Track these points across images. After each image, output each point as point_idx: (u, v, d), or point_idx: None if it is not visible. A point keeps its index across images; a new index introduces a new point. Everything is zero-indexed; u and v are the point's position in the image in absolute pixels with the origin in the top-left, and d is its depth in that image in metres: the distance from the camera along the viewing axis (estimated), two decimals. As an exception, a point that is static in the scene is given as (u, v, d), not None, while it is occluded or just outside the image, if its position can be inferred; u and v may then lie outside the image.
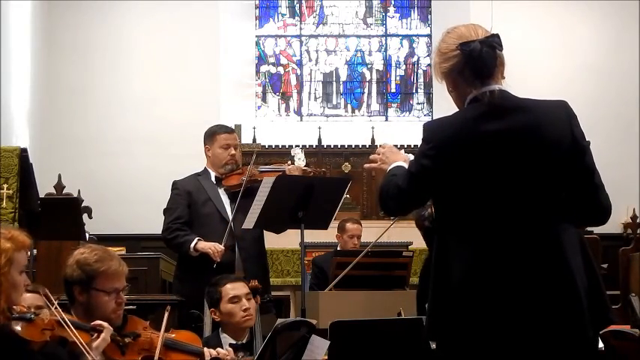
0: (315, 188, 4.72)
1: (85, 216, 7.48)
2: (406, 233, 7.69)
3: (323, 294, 5.39)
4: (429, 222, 3.72)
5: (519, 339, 2.49)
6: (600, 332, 2.74)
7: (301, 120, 10.52)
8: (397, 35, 10.75)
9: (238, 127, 9.04)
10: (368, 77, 10.67)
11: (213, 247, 4.91)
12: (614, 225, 9.23)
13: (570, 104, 2.65)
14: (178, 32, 9.71)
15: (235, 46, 10.31)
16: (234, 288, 4.28)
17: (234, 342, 4.17)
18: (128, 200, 9.25)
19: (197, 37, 9.76)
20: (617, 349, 4.07)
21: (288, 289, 8.18)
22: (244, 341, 4.22)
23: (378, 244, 6.11)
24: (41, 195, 5.39)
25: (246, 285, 4.34)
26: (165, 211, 5.22)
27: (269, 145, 9.86)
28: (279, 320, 3.61)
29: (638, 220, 9.59)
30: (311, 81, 10.63)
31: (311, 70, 10.65)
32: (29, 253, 4.93)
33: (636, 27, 9.80)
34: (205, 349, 3.51)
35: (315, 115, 10.54)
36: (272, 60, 10.63)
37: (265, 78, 10.60)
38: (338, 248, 6.84)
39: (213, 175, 5.24)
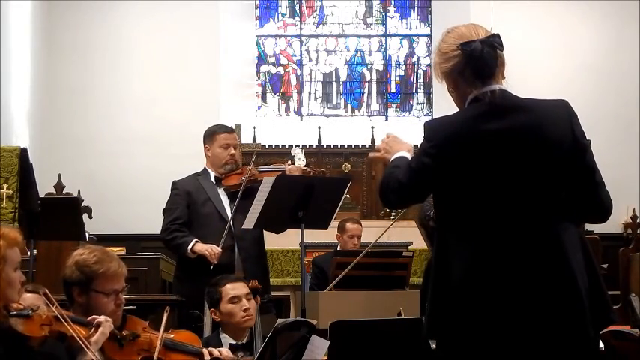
0: (315, 188, 4.72)
1: (85, 216, 7.48)
2: (406, 233, 7.70)
3: (323, 294, 5.39)
4: (433, 222, 3.71)
5: (519, 338, 2.49)
6: (600, 332, 2.74)
7: (301, 120, 10.52)
8: (397, 35, 10.75)
9: (238, 127, 9.05)
10: (368, 77, 10.68)
11: (210, 249, 4.90)
12: (614, 225, 9.23)
13: (570, 104, 2.66)
14: (178, 32, 9.71)
15: (235, 46, 10.31)
16: (234, 288, 4.27)
17: (234, 342, 4.17)
18: (128, 200, 9.25)
19: (197, 37, 9.76)
20: (617, 349, 4.06)
21: (288, 289, 8.17)
22: (244, 341, 4.22)
23: (378, 244, 6.11)
24: (41, 195, 5.38)
25: (246, 285, 4.33)
26: (164, 212, 5.22)
27: (269, 145, 9.87)
28: (279, 320, 3.61)
29: (638, 220, 9.59)
30: (311, 81, 10.63)
31: (311, 70, 10.65)
32: (28, 253, 4.96)
33: (636, 27, 9.80)
34: (204, 349, 3.50)
35: (315, 115, 10.54)
36: (272, 60, 10.63)
37: (265, 78, 10.60)
38: (338, 248, 6.84)
39: (212, 175, 5.24)
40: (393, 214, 9.32)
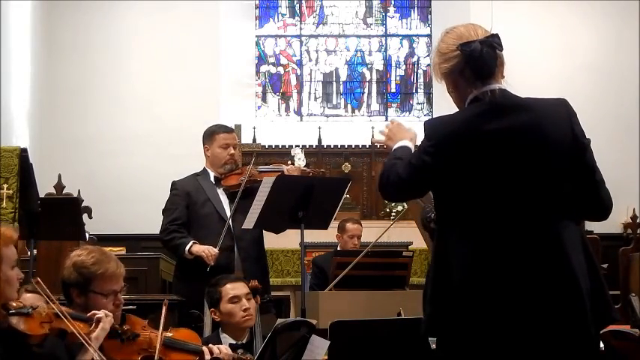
0: (315, 188, 4.72)
1: (85, 216, 7.48)
2: (406, 233, 7.70)
3: (323, 294, 5.39)
4: (434, 224, 3.70)
5: (520, 336, 2.49)
6: (601, 331, 2.74)
7: (301, 120, 10.52)
8: (397, 35, 10.75)
9: (238, 127, 9.05)
10: (368, 77, 10.68)
11: (207, 251, 4.90)
12: (614, 225, 9.24)
13: (570, 103, 2.66)
14: (178, 32, 9.72)
15: (235, 46, 10.31)
16: (234, 288, 4.27)
17: (234, 342, 4.17)
18: (128, 200, 9.26)
19: (197, 36, 9.76)
20: (617, 349, 4.06)
21: (288, 289, 8.18)
22: (244, 341, 4.22)
23: (378, 244, 6.11)
24: (41, 195, 5.38)
25: (246, 285, 4.33)
26: (163, 212, 5.22)
27: (269, 145, 9.87)
28: (279, 320, 3.60)
29: (638, 220, 9.60)
30: (311, 81, 10.64)
31: (311, 70, 10.65)
32: (28, 253, 4.96)
33: (636, 27, 9.80)
34: (204, 347, 3.50)
35: (315, 115, 10.54)
36: (272, 60, 10.63)
37: (265, 78, 10.61)
38: (338, 248, 6.84)
39: (212, 175, 5.24)
40: (393, 214, 9.32)
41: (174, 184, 5.27)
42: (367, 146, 9.87)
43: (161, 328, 3.31)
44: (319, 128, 10.00)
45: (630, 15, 9.88)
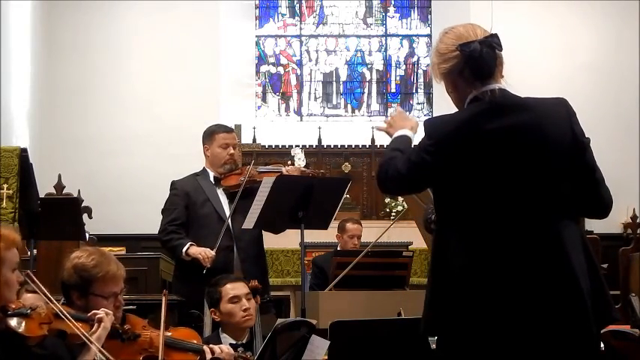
0: (315, 188, 4.72)
1: (85, 216, 7.48)
2: (406, 233, 7.70)
3: (323, 294, 5.39)
4: (435, 225, 3.70)
5: (520, 336, 2.48)
6: (602, 330, 2.74)
7: (301, 120, 10.52)
8: (397, 35, 10.75)
9: (238, 127, 9.05)
10: (368, 77, 10.68)
11: (203, 253, 4.89)
12: (614, 225, 9.24)
13: (569, 102, 2.66)
14: (178, 32, 9.72)
15: (235, 46, 10.31)
16: (234, 288, 4.27)
17: (234, 342, 4.17)
18: (128, 200, 9.26)
19: (197, 36, 9.76)
20: (617, 349, 4.06)
21: (288, 289, 8.18)
22: (244, 341, 4.21)
23: (378, 244, 6.12)
24: (41, 195, 5.39)
25: (246, 285, 4.33)
26: (162, 212, 5.22)
27: (269, 145, 9.87)
28: (279, 320, 3.60)
29: (638, 220, 9.59)
30: (311, 81, 10.64)
31: (311, 70, 10.65)
32: (28, 253, 4.96)
33: (636, 27, 9.80)
34: (205, 346, 3.50)
35: (315, 115, 10.54)
36: (272, 60, 10.63)
37: (265, 78, 10.61)
38: (338, 248, 6.84)
39: (212, 175, 5.23)
40: (393, 214, 9.33)
41: (173, 184, 5.26)
42: (367, 146, 9.87)
43: (162, 327, 3.30)
44: (319, 128, 10.00)
45: (630, 15, 9.88)
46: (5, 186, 4.95)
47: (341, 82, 10.65)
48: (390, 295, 5.33)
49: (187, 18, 9.73)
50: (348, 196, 8.31)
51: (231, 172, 5.20)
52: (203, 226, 5.11)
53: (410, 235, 7.45)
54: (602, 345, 3.69)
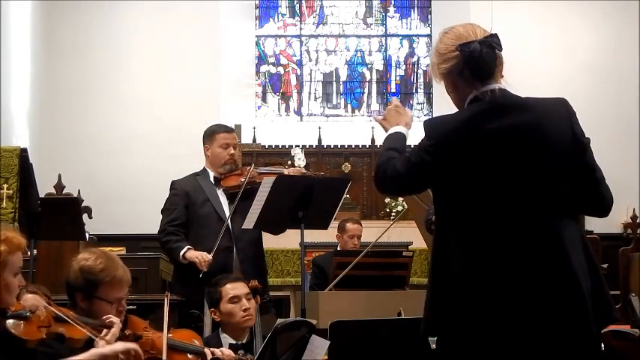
0: (315, 188, 4.72)
1: (85, 216, 7.48)
2: (406, 233, 7.71)
3: (323, 294, 5.39)
4: (435, 226, 3.70)
5: (520, 336, 2.48)
6: (602, 330, 2.74)
7: (301, 120, 10.52)
8: (397, 35, 10.75)
9: (238, 127, 9.04)
10: (368, 77, 10.68)
11: (200, 257, 4.88)
12: (614, 225, 9.24)
13: (569, 102, 2.66)
14: (178, 32, 9.72)
15: (235, 46, 10.31)
16: (234, 288, 4.27)
17: (234, 342, 4.17)
18: (128, 200, 9.26)
19: (197, 36, 9.76)
20: (617, 349, 4.06)
21: (288, 289, 8.18)
22: (244, 341, 4.22)
23: (378, 244, 6.11)
24: (41, 195, 5.39)
25: (246, 285, 4.33)
26: (162, 212, 5.21)
27: (269, 145, 9.87)
28: (279, 320, 3.61)
29: (638, 220, 9.59)
30: (311, 81, 10.64)
31: (311, 70, 10.65)
32: (28, 253, 4.97)
33: (636, 27, 9.80)
34: (206, 349, 3.50)
35: (315, 115, 10.54)
36: (272, 60, 10.63)
37: (265, 78, 10.61)
38: (338, 248, 6.84)
39: (212, 175, 5.23)
40: (393, 214, 9.33)
41: (173, 183, 5.26)
42: (367, 146, 9.87)
43: (165, 328, 3.30)
44: (319, 128, 10.00)
45: (630, 15, 9.88)
46: (5, 186, 4.95)
47: (341, 82, 10.65)
48: (390, 295, 5.33)
49: (187, 18, 9.73)
50: (348, 196, 8.31)
51: (231, 173, 5.19)
52: (203, 226, 5.10)
53: (410, 235, 7.46)
54: (602, 345, 3.69)
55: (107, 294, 3.22)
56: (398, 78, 10.70)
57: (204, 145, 5.28)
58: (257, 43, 10.60)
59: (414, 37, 10.74)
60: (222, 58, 10.03)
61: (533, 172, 2.54)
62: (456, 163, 2.54)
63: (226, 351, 3.61)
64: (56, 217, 5.08)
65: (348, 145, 9.97)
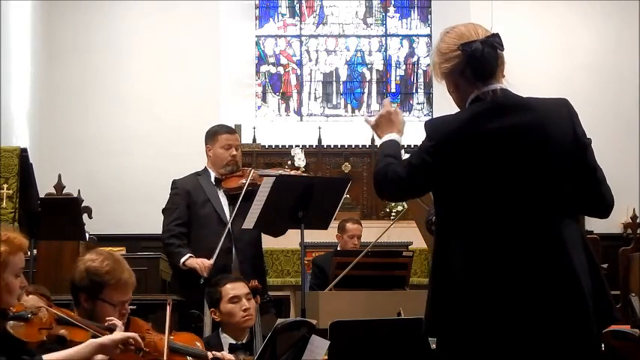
0: (315, 188, 4.72)
1: (85, 216, 7.48)
2: (406, 233, 7.71)
3: (323, 294, 5.39)
4: (435, 227, 3.70)
5: (521, 336, 2.48)
6: (604, 330, 2.74)
7: (301, 120, 10.52)
8: (397, 35, 10.75)
9: (238, 127, 9.04)
10: (368, 77, 10.68)
11: (200, 264, 4.88)
12: (614, 225, 9.23)
13: (571, 103, 2.66)
14: (178, 32, 9.72)
15: (235, 46, 10.31)
16: (234, 288, 4.27)
17: (234, 342, 4.17)
18: (128, 200, 9.26)
19: (197, 36, 9.76)
20: (617, 349, 4.06)
21: (288, 289, 8.18)
22: (244, 341, 4.22)
23: (378, 244, 6.11)
24: (41, 195, 5.39)
25: (246, 285, 4.33)
26: (164, 211, 5.21)
27: (269, 145, 9.87)
28: (279, 320, 3.60)
29: (638, 220, 9.59)
30: (311, 81, 10.64)
31: (311, 70, 10.65)
32: (28, 253, 4.97)
33: (636, 27, 9.80)
34: (209, 352, 3.50)
35: (315, 115, 10.54)
36: (272, 60, 10.63)
37: (265, 78, 10.61)
38: (338, 248, 6.84)
39: (213, 175, 5.23)
40: (393, 214, 9.32)
41: (174, 182, 5.26)
42: (367, 146, 9.87)
43: (167, 331, 3.29)
44: (319, 128, 10.00)
45: (630, 15, 9.88)
46: (5, 186, 4.96)
47: (341, 82, 10.65)
48: (390, 295, 5.33)
49: (187, 18, 9.73)
50: (348, 196, 8.31)
51: (232, 174, 5.20)
52: (202, 227, 5.10)
53: (410, 235, 7.46)
54: (602, 345, 3.69)
55: (111, 296, 3.21)
56: (398, 78, 10.70)
57: (206, 145, 5.28)
58: (257, 43, 10.60)
59: (414, 37, 10.74)
60: (222, 58, 10.03)
61: (535, 172, 2.54)
62: (457, 163, 2.53)
63: (227, 355, 3.61)
64: (56, 217, 5.08)
65: (348, 145, 9.97)
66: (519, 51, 8.99)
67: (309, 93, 10.63)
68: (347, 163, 9.83)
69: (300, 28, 10.71)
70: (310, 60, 10.66)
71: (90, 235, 6.85)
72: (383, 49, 10.72)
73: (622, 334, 4.14)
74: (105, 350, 2.93)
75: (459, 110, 2.69)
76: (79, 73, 9.59)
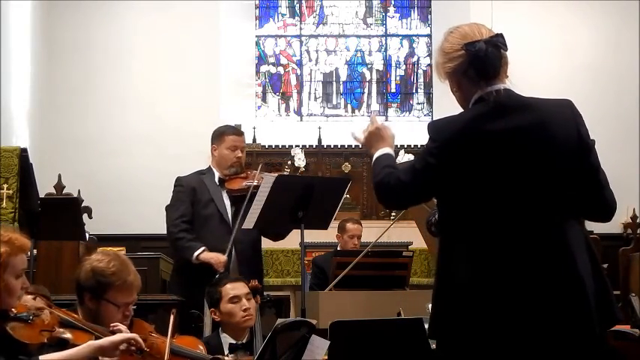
0: (315, 188, 4.72)
1: (85, 216, 7.48)
2: (406, 233, 7.70)
3: (323, 294, 5.39)
4: (435, 228, 3.70)
5: (525, 337, 2.48)
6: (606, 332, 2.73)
7: (301, 120, 10.52)
8: (397, 35, 10.75)
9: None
10: (368, 77, 10.67)
11: (215, 258, 4.89)
12: (614, 225, 9.22)
13: (574, 104, 2.66)
14: (178, 32, 9.71)
15: (235, 46, 10.31)
16: (234, 288, 4.28)
17: (234, 342, 4.17)
18: (128, 200, 9.25)
19: (197, 37, 9.76)
20: (617, 349, 4.06)
21: (288, 289, 8.18)
22: (244, 341, 4.22)
23: (378, 244, 6.12)
24: (41, 195, 5.39)
25: (246, 285, 4.34)
26: (168, 208, 5.19)
27: (269, 145, 9.86)
28: (279, 320, 3.61)
29: (638, 220, 9.59)
30: (311, 81, 10.63)
31: (311, 70, 10.65)
32: (29, 253, 4.96)
33: (636, 27, 9.80)
34: (211, 357, 3.51)
35: (315, 115, 10.53)
36: (272, 60, 10.62)
37: (265, 78, 10.60)
38: (338, 248, 6.84)
39: (217, 175, 5.23)
40: (393, 214, 9.32)
41: (179, 179, 5.25)
42: (367, 146, 9.84)
43: (169, 334, 3.29)
44: (319, 128, 9.99)
45: (630, 15, 9.88)
46: (5, 186, 4.96)
47: (341, 82, 10.64)
48: (390, 295, 5.33)
49: (187, 18, 9.72)
50: (348, 196, 8.30)
51: (236, 175, 5.21)
52: (204, 226, 5.11)
53: (410, 235, 7.46)
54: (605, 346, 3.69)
55: (116, 297, 3.22)
56: (398, 78, 10.69)
57: (212, 144, 5.29)
58: (257, 43, 10.60)
59: (414, 37, 10.73)
60: (222, 58, 10.02)
61: (538, 173, 2.54)
62: (461, 164, 2.53)
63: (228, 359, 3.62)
64: (56, 217, 5.08)
65: (348, 145, 9.95)
66: (519, 51, 8.93)
67: (309, 93, 10.62)
68: (347, 163, 9.83)
69: (300, 28, 10.71)
70: (310, 60, 10.66)
71: (90, 235, 6.85)
72: (383, 49, 10.71)
73: (622, 334, 4.15)
74: (104, 352, 2.92)
75: (462, 110, 2.69)
76: (79, 72, 9.59)
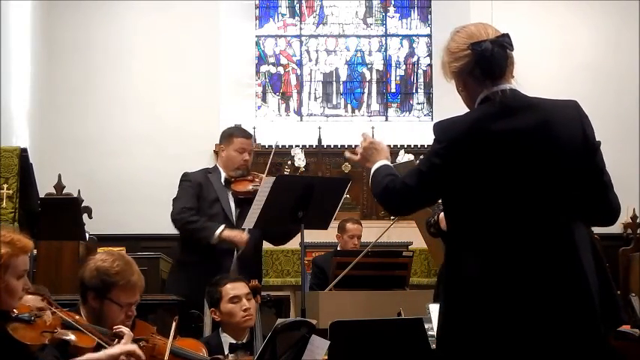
0: (315, 188, 4.72)
1: (85, 216, 7.48)
2: (406, 233, 7.70)
3: (323, 294, 5.39)
4: (434, 229, 3.70)
5: (531, 337, 2.48)
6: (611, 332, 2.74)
7: (301, 120, 10.52)
8: (397, 35, 10.75)
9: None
10: (368, 77, 10.67)
11: (239, 235, 4.92)
12: (614, 225, 9.22)
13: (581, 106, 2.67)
14: (178, 32, 9.71)
15: (235, 46, 10.31)
16: (234, 288, 4.28)
17: (234, 342, 4.17)
18: (128, 200, 9.25)
19: (197, 37, 9.76)
20: (617, 349, 4.06)
21: (288, 289, 8.18)
22: (244, 341, 4.22)
23: (378, 244, 6.12)
24: (41, 195, 5.38)
25: (247, 285, 4.34)
26: (175, 200, 5.17)
27: (269, 145, 9.86)
28: (279, 320, 3.61)
29: (638, 220, 9.59)
30: (311, 81, 10.63)
31: (311, 70, 10.65)
32: (30, 252, 4.96)
33: (636, 27, 9.80)
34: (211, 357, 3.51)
35: (315, 115, 10.53)
36: (272, 60, 10.62)
37: (265, 78, 10.60)
38: (338, 248, 6.84)
39: (223, 175, 5.24)
40: (393, 214, 9.32)
41: (186, 175, 5.26)
42: (367, 146, 9.84)
43: (171, 337, 3.30)
44: (319, 128, 9.99)
45: (630, 15, 9.88)
46: (5, 186, 4.95)
47: (341, 82, 10.64)
48: (390, 295, 5.33)
49: (187, 18, 9.72)
50: (348, 196, 8.30)
51: (242, 178, 5.22)
52: (208, 224, 5.12)
53: (410, 235, 7.46)
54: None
55: (119, 297, 3.23)
56: (398, 78, 10.69)
57: (220, 144, 5.31)
58: (257, 43, 10.60)
59: (414, 37, 10.73)
60: (222, 58, 10.02)
61: (544, 173, 2.54)
62: (467, 164, 2.53)
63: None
64: (56, 217, 5.08)
65: (348, 145, 9.89)
66: (519, 51, 8.93)
67: (309, 93, 10.62)
68: (347, 163, 9.81)
69: (300, 28, 10.71)
70: (310, 60, 10.66)
71: (90, 235, 6.85)
72: (383, 49, 10.71)
73: (622, 334, 4.15)
74: None
75: (465, 110, 2.69)
76: (79, 72, 9.58)
